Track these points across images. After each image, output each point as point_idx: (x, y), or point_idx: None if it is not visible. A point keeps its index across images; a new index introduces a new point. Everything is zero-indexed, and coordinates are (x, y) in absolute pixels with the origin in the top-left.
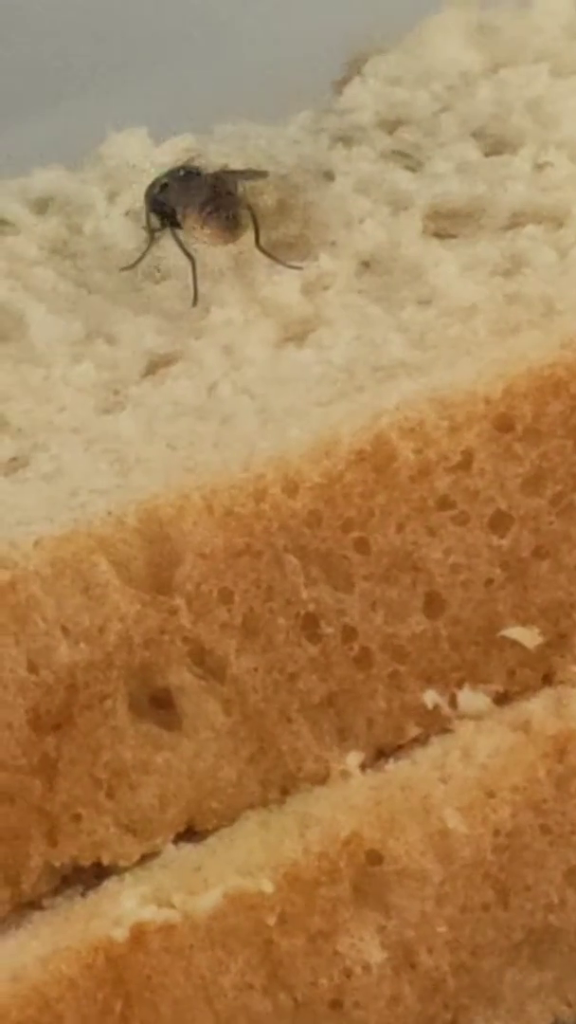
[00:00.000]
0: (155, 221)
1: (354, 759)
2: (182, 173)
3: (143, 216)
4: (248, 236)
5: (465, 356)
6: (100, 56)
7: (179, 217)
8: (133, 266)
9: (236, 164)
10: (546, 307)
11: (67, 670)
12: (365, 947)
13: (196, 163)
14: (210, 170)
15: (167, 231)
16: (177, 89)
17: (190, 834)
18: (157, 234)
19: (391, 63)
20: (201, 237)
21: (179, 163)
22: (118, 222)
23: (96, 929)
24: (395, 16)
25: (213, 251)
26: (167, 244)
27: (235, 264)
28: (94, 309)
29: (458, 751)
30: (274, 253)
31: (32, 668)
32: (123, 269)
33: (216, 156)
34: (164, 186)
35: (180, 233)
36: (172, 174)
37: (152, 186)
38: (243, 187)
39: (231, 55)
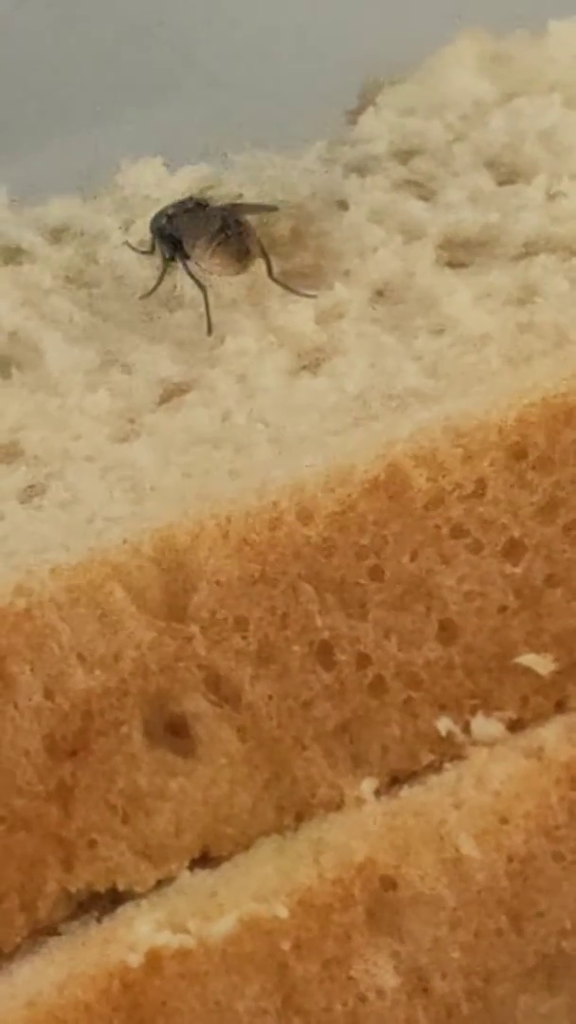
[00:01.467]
0: (165, 251)
1: (368, 785)
2: (191, 204)
3: (149, 245)
4: (260, 265)
5: (478, 385)
6: (115, 85)
7: (187, 248)
8: (148, 295)
9: (250, 194)
10: (559, 336)
11: (83, 697)
12: (379, 972)
13: (207, 195)
14: (219, 203)
15: (179, 261)
16: (192, 119)
17: (205, 860)
18: (169, 264)
19: (405, 93)
20: (211, 267)
21: (187, 195)
22: (133, 252)
23: (111, 955)
24: (409, 46)
25: (228, 281)
26: (182, 273)
27: (249, 293)
28: (109, 338)
29: (471, 777)
30: (288, 282)
31: (48, 695)
32: (140, 298)
33: (230, 186)
34: (171, 217)
35: (191, 263)
36: (179, 205)
37: (157, 217)
38: (253, 218)
39: (246, 85)
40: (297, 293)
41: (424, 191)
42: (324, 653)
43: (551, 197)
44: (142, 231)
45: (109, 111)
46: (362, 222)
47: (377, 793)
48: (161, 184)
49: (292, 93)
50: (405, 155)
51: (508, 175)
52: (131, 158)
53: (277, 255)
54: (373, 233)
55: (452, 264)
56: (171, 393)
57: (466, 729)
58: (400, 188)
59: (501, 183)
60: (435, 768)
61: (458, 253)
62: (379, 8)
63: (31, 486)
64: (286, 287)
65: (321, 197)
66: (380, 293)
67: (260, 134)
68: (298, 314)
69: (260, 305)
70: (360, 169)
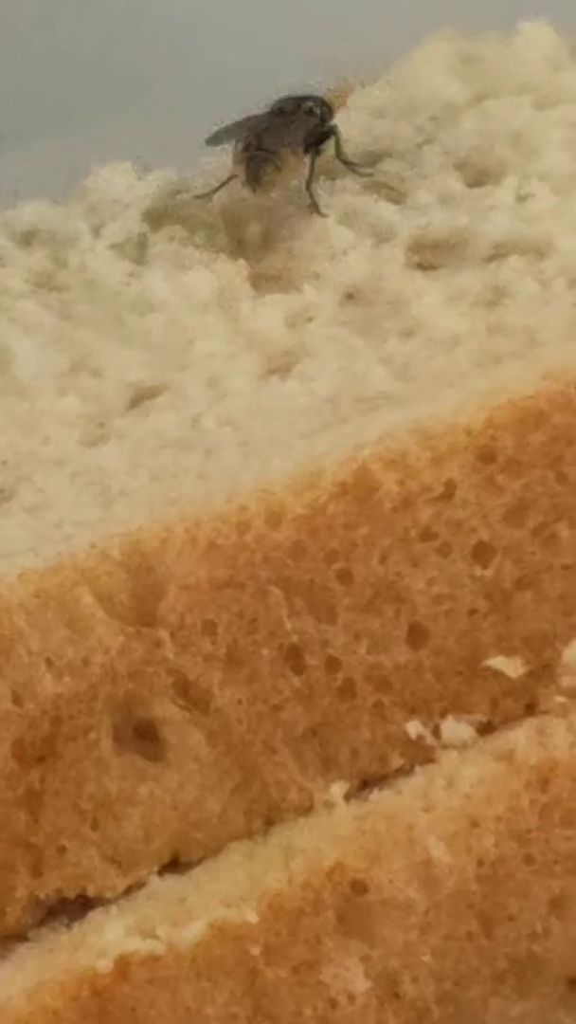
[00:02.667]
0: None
1: (338, 789)
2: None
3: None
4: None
5: (447, 387)
6: (85, 90)
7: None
8: (208, 195)
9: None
10: (528, 338)
11: (51, 702)
12: (349, 977)
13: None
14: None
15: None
16: (161, 123)
17: (175, 865)
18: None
19: (375, 95)
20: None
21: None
22: (103, 256)
23: (81, 960)
24: (379, 48)
25: (196, 283)
26: (152, 277)
27: (220, 296)
28: (79, 342)
29: (442, 781)
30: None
31: (16, 700)
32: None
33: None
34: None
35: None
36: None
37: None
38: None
39: (215, 89)
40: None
41: (394, 193)
42: (293, 657)
43: (521, 199)
44: (112, 235)
45: (79, 116)
46: (332, 225)
47: (347, 797)
48: (131, 189)
49: (262, 96)
50: (375, 157)
51: (478, 177)
52: (101, 162)
53: (248, 258)
54: (343, 236)
55: (422, 266)
56: (141, 397)
57: (436, 732)
58: (370, 190)
59: (471, 185)
60: (405, 771)
61: (428, 255)
62: (349, 10)
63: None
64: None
65: (291, 200)
66: (350, 296)
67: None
68: (268, 317)
69: (230, 308)
70: (330, 172)
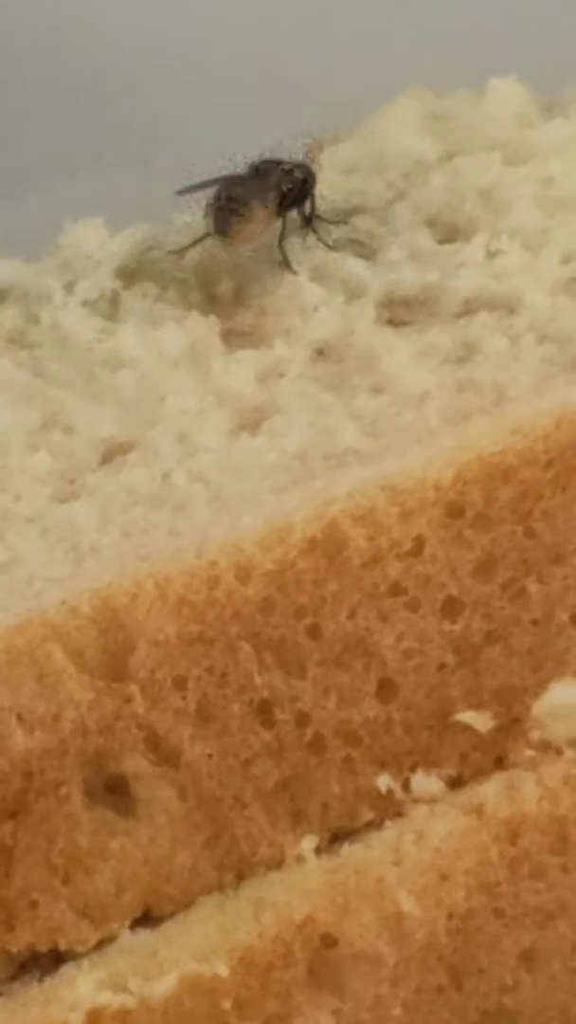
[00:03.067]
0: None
1: (309, 843)
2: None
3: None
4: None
5: (417, 443)
6: (57, 147)
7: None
8: (182, 251)
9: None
10: (497, 394)
11: (22, 757)
12: None
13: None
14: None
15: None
16: (134, 180)
17: (146, 919)
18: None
19: (347, 152)
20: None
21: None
22: (75, 312)
23: (53, 1014)
24: (351, 105)
25: (168, 340)
26: (124, 335)
27: (191, 353)
28: (51, 398)
29: (412, 834)
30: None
31: None
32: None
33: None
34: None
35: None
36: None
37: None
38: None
39: (187, 146)
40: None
41: (365, 250)
42: (263, 712)
43: (491, 255)
44: (84, 292)
45: (51, 173)
46: (303, 281)
47: (317, 851)
48: (103, 246)
49: (234, 154)
50: (347, 214)
51: (448, 233)
52: (73, 219)
53: (219, 314)
54: (314, 292)
55: (393, 322)
56: (112, 453)
57: (406, 786)
58: (341, 247)
59: (441, 241)
60: (375, 825)
61: (399, 311)
62: (321, 68)
63: None
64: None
65: (262, 256)
66: (321, 352)
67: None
68: (239, 373)
69: (201, 364)
70: (302, 229)
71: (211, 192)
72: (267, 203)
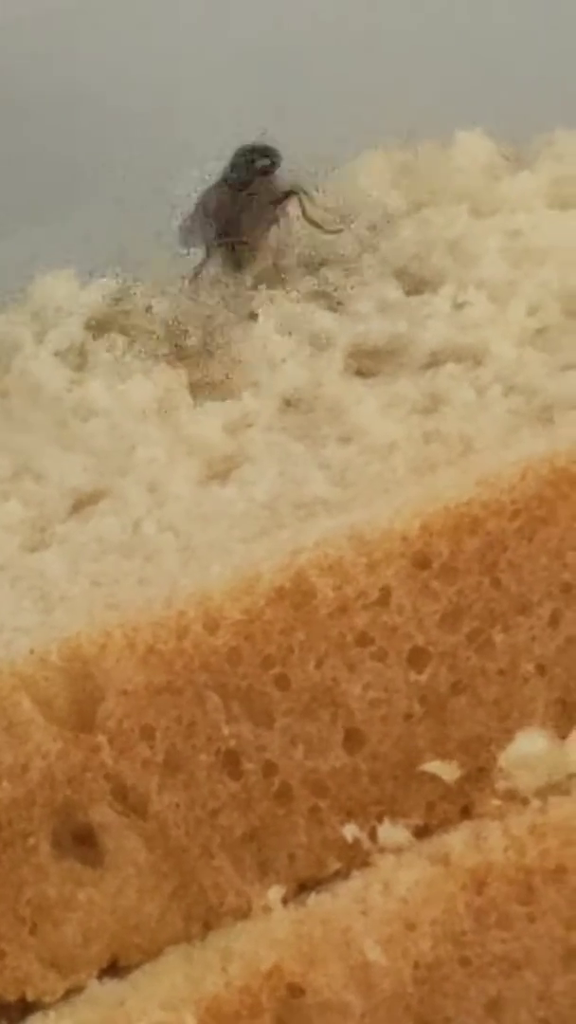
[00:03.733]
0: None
1: (276, 893)
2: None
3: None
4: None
5: (384, 494)
6: (27, 198)
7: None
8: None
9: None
10: (464, 445)
11: None
12: None
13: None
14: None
15: None
16: (104, 230)
17: (114, 969)
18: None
19: (315, 204)
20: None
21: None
22: (46, 362)
23: None
24: (320, 158)
25: (137, 391)
26: (94, 384)
27: (160, 403)
28: (21, 448)
29: (378, 884)
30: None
31: None
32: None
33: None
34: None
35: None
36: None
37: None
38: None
39: (159, 197)
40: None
41: (333, 301)
42: (231, 762)
43: (458, 306)
44: (55, 342)
45: (22, 223)
46: (271, 333)
47: (284, 901)
48: (73, 296)
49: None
50: (315, 265)
51: (416, 285)
52: (43, 270)
53: (188, 365)
54: (282, 343)
55: (360, 373)
56: (82, 502)
57: (372, 836)
58: (309, 298)
59: (409, 293)
60: (342, 875)
61: (366, 362)
62: (289, 120)
63: None
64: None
65: (230, 308)
66: (289, 402)
67: (172, 246)
68: (207, 424)
69: (170, 415)
70: (269, 280)
71: (205, 230)
72: (261, 222)
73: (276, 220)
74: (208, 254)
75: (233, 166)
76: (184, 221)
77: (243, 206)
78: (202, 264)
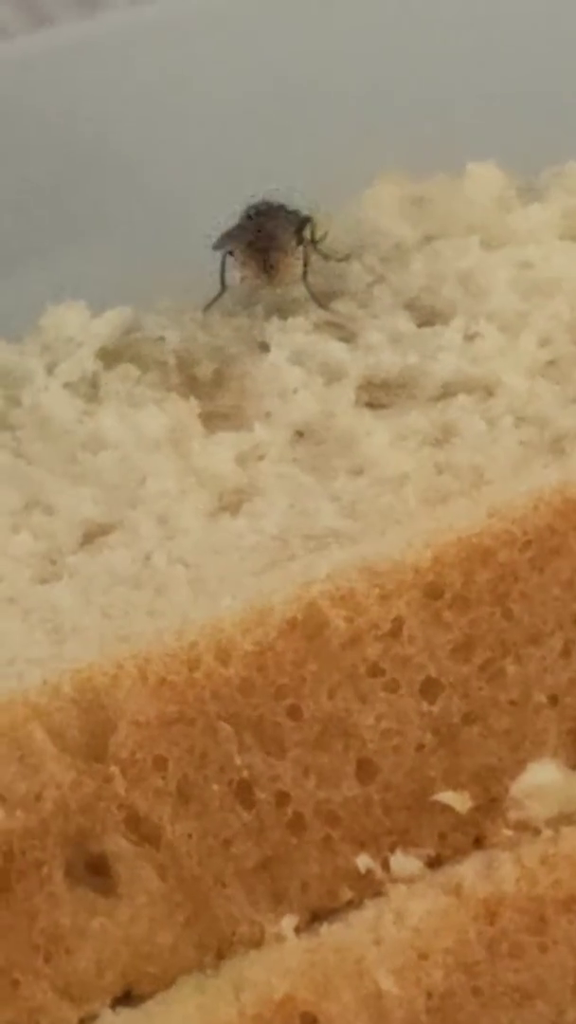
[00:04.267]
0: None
1: (288, 922)
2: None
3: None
4: (181, 407)
5: (395, 525)
6: (38, 230)
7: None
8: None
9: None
10: (475, 476)
11: (4, 837)
12: None
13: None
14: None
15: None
16: (115, 262)
17: (127, 998)
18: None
19: (327, 235)
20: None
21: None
22: (57, 394)
23: None
24: (331, 190)
25: (148, 422)
26: (105, 416)
27: (171, 434)
28: (32, 480)
29: (391, 914)
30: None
31: None
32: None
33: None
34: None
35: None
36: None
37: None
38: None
39: (168, 231)
40: (322, 306)
41: (344, 333)
42: (243, 792)
43: (469, 338)
44: (66, 374)
45: (33, 256)
46: (283, 363)
47: (297, 930)
48: (84, 328)
49: (215, 235)
50: (326, 297)
51: (427, 317)
52: (55, 302)
53: (199, 396)
54: (293, 374)
55: (372, 405)
56: (93, 534)
57: (385, 866)
58: (321, 330)
59: (420, 325)
60: (355, 905)
61: (378, 394)
62: (299, 152)
63: None
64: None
65: (242, 339)
66: (300, 434)
67: (183, 277)
68: (218, 455)
69: (181, 447)
70: (281, 311)
71: (235, 243)
72: (291, 236)
73: (299, 243)
74: (224, 286)
75: (258, 206)
76: (223, 235)
77: (270, 220)
78: (217, 296)
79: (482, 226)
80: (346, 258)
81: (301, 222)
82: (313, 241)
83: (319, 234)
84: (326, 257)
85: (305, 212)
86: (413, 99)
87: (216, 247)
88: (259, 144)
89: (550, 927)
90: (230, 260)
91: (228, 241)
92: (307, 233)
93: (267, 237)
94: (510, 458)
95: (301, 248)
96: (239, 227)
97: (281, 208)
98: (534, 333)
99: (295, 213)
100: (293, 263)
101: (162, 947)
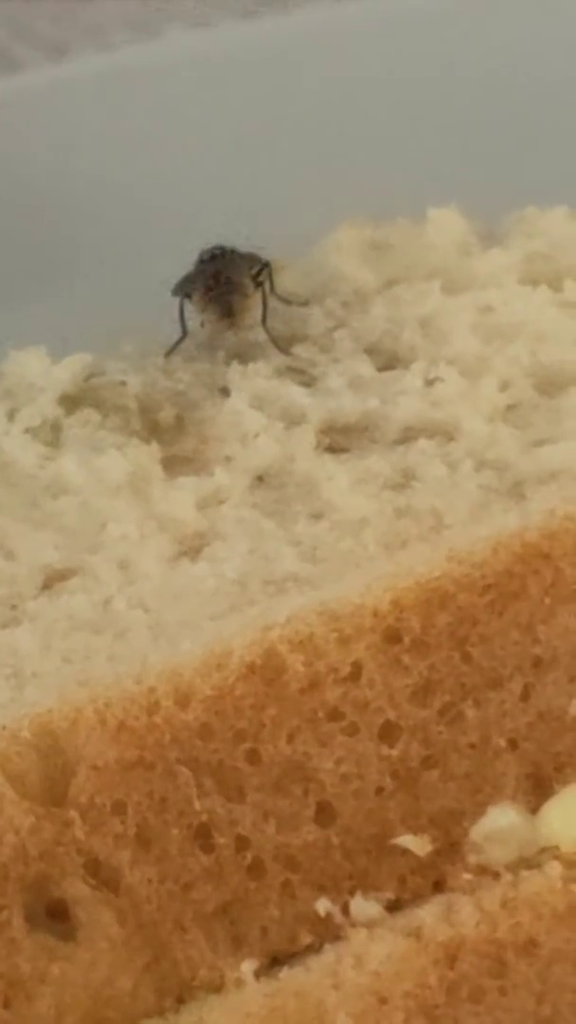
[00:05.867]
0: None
1: (248, 967)
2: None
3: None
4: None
5: (355, 569)
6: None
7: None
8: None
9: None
10: (435, 520)
11: None
12: None
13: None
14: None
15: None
16: (77, 308)
17: None
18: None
19: (288, 280)
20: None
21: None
22: (18, 439)
23: None
24: (292, 236)
25: (109, 467)
26: (66, 461)
27: (132, 479)
28: None
29: (351, 958)
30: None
31: None
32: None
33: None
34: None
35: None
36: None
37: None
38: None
39: (131, 277)
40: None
41: (305, 377)
42: (203, 836)
43: (429, 383)
44: (27, 419)
45: None
46: (244, 408)
47: (257, 974)
48: (46, 373)
49: (176, 280)
50: (287, 341)
51: (388, 361)
52: (16, 347)
53: (161, 441)
54: (254, 419)
55: (332, 449)
56: (53, 579)
57: (345, 910)
58: (281, 374)
59: (381, 369)
60: (315, 949)
61: (338, 438)
62: (261, 198)
63: None
64: (277, 344)
65: (204, 383)
66: (260, 478)
67: (145, 321)
68: (179, 500)
69: (142, 491)
70: (242, 356)
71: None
72: (247, 280)
73: (257, 286)
74: (184, 331)
75: (213, 250)
76: (180, 281)
77: (227, 264)
78: (178, 341)
79: (443, 271)
80: (306, 303)
81: (258, 267)
82: (271, 285)
83: (276, 279)
84: (286, 302)
85: (262, 257)
86: (375, 145)
87: (174, 293)
88: (221, 190)
89: (510, 971)
90: (189, 305)
91: (185, 286)
92: (264, 277)
93: (224, 282)
94: (470, 502)
95: (259, 292)
96: (196, 272)
97: (236, 253)
98: (494, 377)
99: (252, 257)
100: (251, 307)
101: (122, 992)
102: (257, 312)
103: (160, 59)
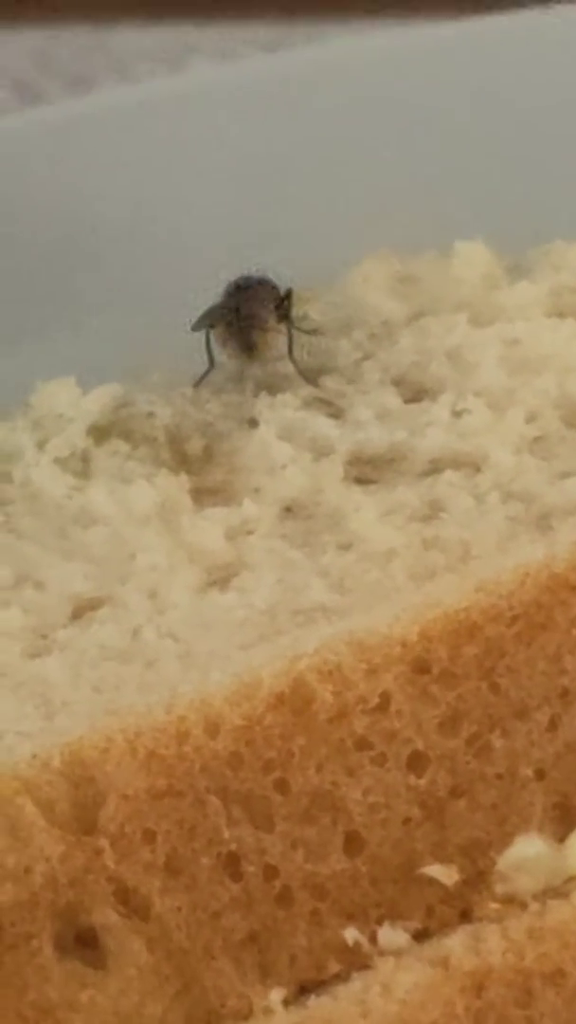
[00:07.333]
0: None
1: (276, 995)
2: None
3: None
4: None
5: (383, 600)
6: (29, 308)
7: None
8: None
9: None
10: (463, 552)
11: None
12: None
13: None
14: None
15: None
16: (106, 339)
17: None
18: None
19: (314, 312)
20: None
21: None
22: (47, 470)
23: None
24: (319, 268)
25: (138, 497)
26: (95, 491)
27: (161, 510)
28: (23, 555)
29: (378, 987)
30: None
31: None
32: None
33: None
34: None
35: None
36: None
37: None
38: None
39: (158, 308)
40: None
41: (333, 409)
42: (231, 865)
43: (456, 414)
44: (56, 449)
45: (24, 333)
46: (272, 439)
47: (285, 1003)
48: (75, 404)
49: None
50: (315, 373)
51: (415, 393)
52: (46, 378)
53: (189, 472)
54: (282, 450)
55: (360, 480)
56: (83, 609)
57: (372, 939)
58: (309, 406)
59: (408, 401)
60: (342, 977)
61: (366, 470)
62: (288, 231)
63: None
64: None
65: (232, 415)
66: (288, 509)
67: (173, 352)
68: (208, 530)
69: (171, 522)
70: (270, 387)
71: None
72: (270, 313)
73: (280, 319)
74: (212, 362)
75: (240, 281)
76: (200, 317)
77: (249, 298)
78: (206, 372)
79: (470, 304)
80: (333, 335)
81: (282, 298)
82: (296, 317)
83: (301, 310)
84: (313, 333)
85: (286, 287)
86: (401, 179)
87: (195, 327)
88: (249, 222)
89: (537, 1000)
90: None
91: (208, 319)
92: (289, 309)
93: (246, 315)
94: (497, 533)
95: (284, 324)
96: (219, 305)
97: (261, 283)
98: (521, 409)
99: (276, 289)
100: (274, 340)
101: (151, 1019)
102: (283, 343)
103: (184, 91)
